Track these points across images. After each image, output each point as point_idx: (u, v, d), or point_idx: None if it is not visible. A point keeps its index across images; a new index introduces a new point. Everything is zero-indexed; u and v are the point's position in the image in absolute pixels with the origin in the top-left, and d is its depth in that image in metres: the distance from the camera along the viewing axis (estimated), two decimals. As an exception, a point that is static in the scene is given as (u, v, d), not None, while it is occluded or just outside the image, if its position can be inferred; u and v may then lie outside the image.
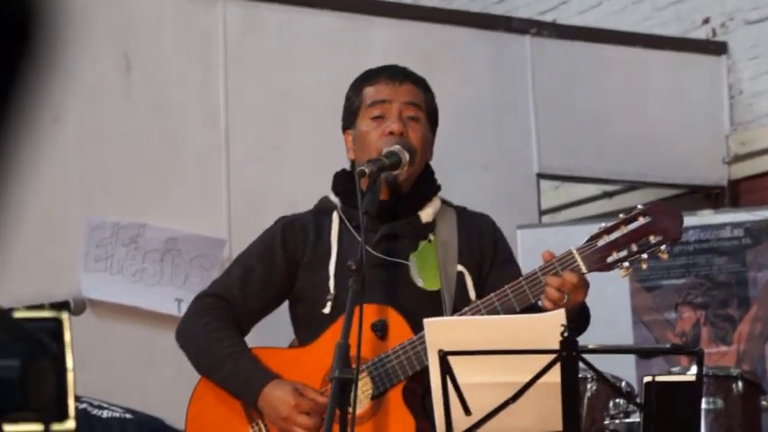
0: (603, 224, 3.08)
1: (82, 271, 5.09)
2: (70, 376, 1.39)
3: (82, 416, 4.39)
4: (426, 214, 3.27)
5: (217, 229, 5.36)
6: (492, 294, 3.06)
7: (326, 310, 3.18)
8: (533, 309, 3.03)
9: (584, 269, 3.03)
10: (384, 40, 5.78)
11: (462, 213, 3.33)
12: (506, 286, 3.05)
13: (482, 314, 3.03)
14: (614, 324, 5.18)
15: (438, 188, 3.33)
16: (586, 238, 3.09)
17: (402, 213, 3.25)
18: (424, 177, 3.30)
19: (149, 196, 5.29)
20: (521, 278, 3.06)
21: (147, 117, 5.38)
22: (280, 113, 5.61)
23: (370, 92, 3.28)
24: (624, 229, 3.04)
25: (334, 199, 3.35)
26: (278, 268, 3.29)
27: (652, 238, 3.01)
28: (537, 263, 3.13)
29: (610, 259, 3.04)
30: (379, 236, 3.21)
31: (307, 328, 3.24)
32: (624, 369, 4.46)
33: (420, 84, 3.34)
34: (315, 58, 5.71)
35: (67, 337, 1.42)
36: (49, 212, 5.09)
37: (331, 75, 5.67)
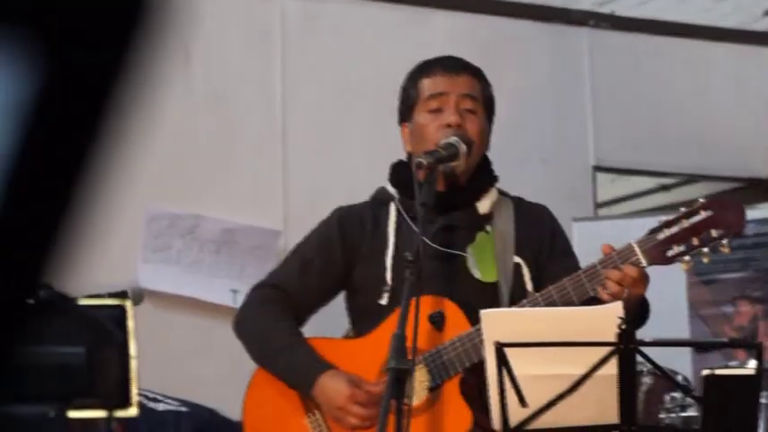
0: (664, 217, 3.06)
1: (140, 261, 5.14)
2: (134, 363, 1.41)
3: (138, 408, 4.44)
4: (484, 205, 3.26)
5: (273, 220, 5.38)
6: (551, 287, 3.04)
7: (384, 301, 3.18)
8: (592, 302, 3.01)
9: (644, 263, 3.01)
10: (443, 33, 5.77)
11: (519, 204, 3.32)
12: (565, 279, 3.03)
13: (540, 306, 3.02)
14: (670, 318, 5.15)
15: (495, 179, 3.32)
16: (646, 232, 3.07)
17: (460, 205, 3.24)
18: (482, 168, 3.29)
19: (207, 187, 5.32)
20: (580, 271, 3.05)
21: (205, 109, 5.42)
22: (337, 106, 5.63)
23: (427, 84, 3.28)
24: (685, 223, 3.01)
25: (392, 190, 3.35)
26: (335, 259, 3.29)
27: (714, 232, 2.98)
28: (592, 256, 3.11)
29: (670, 253, 3.02)
30: (437, 227, 3.21)
31: (363, 319, 3.24)
32: (680, 363, 4.44)
33: (477, 74, 3.33)
34: (373, 51, 5.72)
35: (131, 324, 1.43)
36: (107, 203, 5.13)
37: (389, 67, 5.66)
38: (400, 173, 3.33)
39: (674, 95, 6.08)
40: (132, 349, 1.42)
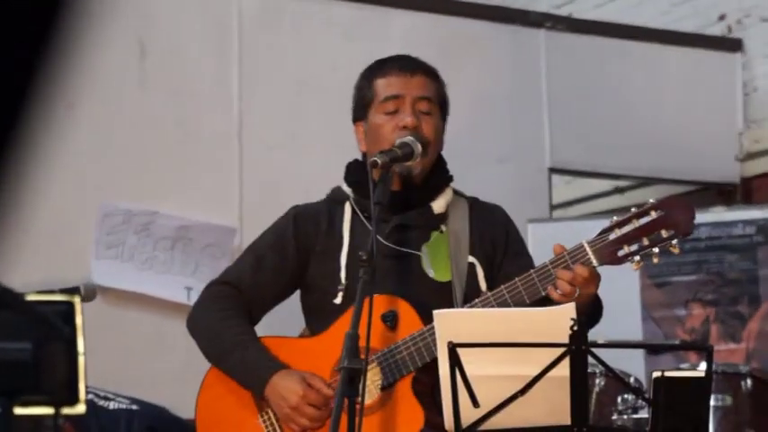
0: (615, 217, 3.08)
1: (93, 258, 5.11)
2: (81, 360, 1.39)
3: (89, 407, 4.42)
4: (438, 205, 3.26)
5: (229, 217, 5.36)
6: (502, 287, 3.05)
7: (337, 300, 3.17)
8: (544, 301, 3.02)
9: (594, 262, 3.03)
10: (401, 32, 5.78)
11: (475, 204, 3.32)
12: (517, 279, 3.04)
13: (492, 306, 3.02)
14: (623, 320, 5.18)
15: (450, 179, 3.32)
16: (598, 232, 3.08)
17: (414, 204, 3.24)
18: (437, 168, 3.29)
19: (162, 184, 5.30)
20: (531, 271, 3.06)
21: (161, 104, 5.39)
22: (294, 103, 5.62)
23: (382, 85, 3.27)
24: (636, 223, 3.03)
25: (347, 189, 3.34)
26: (289, 257, 3.28)
27: (664, 233, 3.00)
28: (547, 257, 3.12)
29: (621, 253, 3.03)
30: (391, 226, 3.21)
31: (317, 318, 3.23)
32: (633, 365, 4.46)
33: (431, 74, 3.32)
34: (331, 49, 5.71)
35: (79, 320, 1.42)
36: (62, 199, 5.10)
37: (347, 65, 5.66)
38: (355, 172, 3.33)
39: (630, 98, 6.11)
40: (80, 346, 1.41)
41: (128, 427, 4.44)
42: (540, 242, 4.82)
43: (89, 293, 4.60)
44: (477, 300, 3.07)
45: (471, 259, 3.21)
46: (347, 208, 3.29)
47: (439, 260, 3.20)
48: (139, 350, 5.09)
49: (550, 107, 5.92)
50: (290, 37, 5.66)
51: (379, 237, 3.09)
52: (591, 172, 6.16)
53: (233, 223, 5.36)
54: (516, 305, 3.00)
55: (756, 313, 5.40)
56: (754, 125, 6.22)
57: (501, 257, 3.23)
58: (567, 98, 5.96)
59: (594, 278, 3.03)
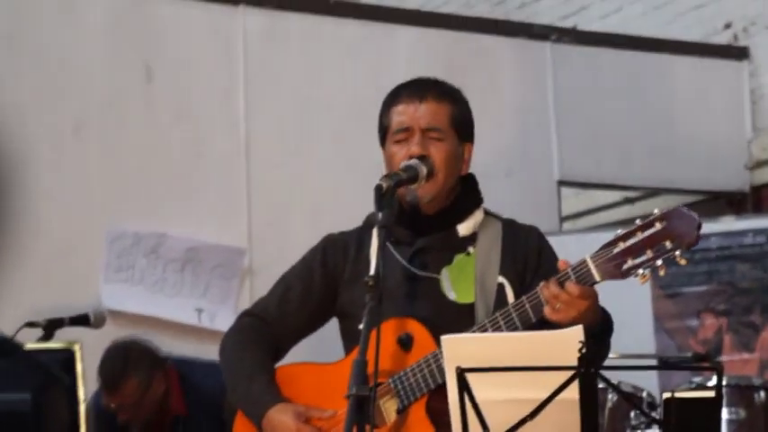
0: (619, 230, 3.04)
1: (102, 282, 5.11)
2: (82, 408, 1.39)
3: (180, 365, 4.36)
4: (465, 227, 3.25)
5: (238, 237, 5.36)
6: (509, 306, 3.04)
7: (362, 325, 3.17)
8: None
9: (597, 278, 3.00)
10: (406, 49, 5.79)
11: (508, 225, 3.30)
12: (524, 297, 3.03)
13: (500, 326, 3.01)
14: (635, 331, 5.17)
15: (479, 201, 3.31)
16: (601, 246, 3.05)
17: (440, 227, 3.24)
18: (466, 190, 3.28)
19: (171, 205, 5.30)
20: (537, 288, 3.04)
21: (167, 126, 5.40)
22: (301, 121, 5.62)
23: (394, 114, 3.27)
24: (640, 235, 2.99)
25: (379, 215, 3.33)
26: (316, 286, 3.29)
27: (668, 244, 2.96)
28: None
29: (625, 266, 3.00)
30: (414, 250, 3.21)
31: (349, 344, 3.24)
32: (646, 378, 4.45)
33: (443, 97, 3.28)
34: (337, 66, 5.72)
35: (79, 368, 1.41)
36: (71, 222, 5.10)
37: (353, 83, 5.67)
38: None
39: (637, 109, 6.10)
40: (80, 393, 1.40)
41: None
42: (550, 256, 4.80)
43: (98, 320, 4.60)
44: (486, 320, 3.07)
45: (501, 279, 3.19)
46: (375, 233, 3.28)
47: (461, 282, 3.19)
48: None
49: (558, 120, 5.92)
50: (295, 55, 5.66)
51: (402, 260, 3.09)
52: (600, 183, 6.15)
53: (242, 243, 5.36)
54: (522, 324, 2.99)
55: (769, 323, 5.39)
56: (763, 133, 6.20)
57: (531, 276, 3.21)
58: (574, 110, 5.95)
59: (584, 297, 2.99)
